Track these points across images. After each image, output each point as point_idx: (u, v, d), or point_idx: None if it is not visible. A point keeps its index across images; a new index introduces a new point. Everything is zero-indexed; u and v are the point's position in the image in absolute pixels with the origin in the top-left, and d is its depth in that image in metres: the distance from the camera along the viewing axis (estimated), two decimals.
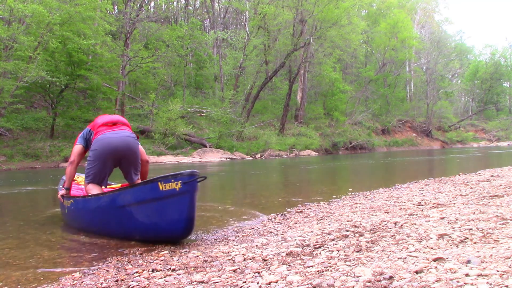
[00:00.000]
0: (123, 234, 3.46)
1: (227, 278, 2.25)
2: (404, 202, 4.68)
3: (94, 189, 3.68)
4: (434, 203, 4.23)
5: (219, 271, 2.43)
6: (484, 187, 5.44)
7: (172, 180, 2.98)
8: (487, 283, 1.71)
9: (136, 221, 3.26)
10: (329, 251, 2.61)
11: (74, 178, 4.68)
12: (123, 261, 2.94)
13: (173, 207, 3.05)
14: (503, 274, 1.79)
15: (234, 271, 2.38)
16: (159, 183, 3.02)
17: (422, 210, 3.87)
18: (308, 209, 4.99)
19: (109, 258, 3.06)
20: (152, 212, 3.14)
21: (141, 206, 3.16)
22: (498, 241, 2.40)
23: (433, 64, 42.27)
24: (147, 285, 2.28)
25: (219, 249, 3.04)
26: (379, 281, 1.87)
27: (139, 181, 3.86)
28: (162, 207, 3.08)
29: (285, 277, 2.11)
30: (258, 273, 2.28)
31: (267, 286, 2.03)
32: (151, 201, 3.10)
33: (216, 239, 3.51)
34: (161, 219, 3.12)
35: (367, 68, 39.03)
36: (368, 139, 31.86)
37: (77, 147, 3.73)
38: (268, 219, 4.47)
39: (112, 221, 3.45)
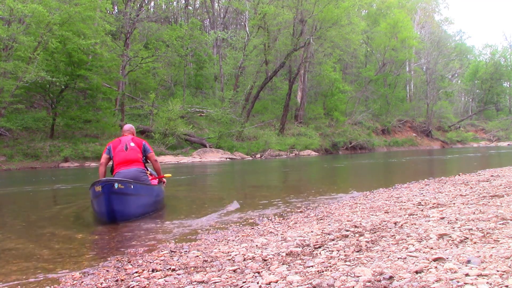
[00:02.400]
0: (99, 216, 4.69)
1: (227, 278, 2.25)
2: (404, 202, 4.68)
3: None
4: (434, 203, 4.24)
5: (219, 271, 2.43)
6: (484, 187, 5.44)
7: (98, 184, 4.32)
8: (487, 283, 1.71)
9: (96, 208, 4.66)
10: (329, 251, 2.61)
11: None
12: (123, 261, 2.94)
13: (101, 202, 4.38)
14: (503, 274, 1.79)
15: (234, 271, 2.38)
16: (95, 186, 4.36)
17: (422, 210, 3.87)
18: (308, 209, 5.00)
19: (109, 258, 3.07)
20: (97, 204, 4.52)
21: (95, 200, 4.57)
22: (498, 241, 2.40)
23: (433, 64, 42.22)
24: (147, 285, 2.28)
25: (219, 249, 3.04)
26: (379, 281, 1.87)
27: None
28: (99, 201, 4.43)
29: (285, 277, 2.11)
30: (258, 273, 2.28)
31: (267, 286, 2.03)
32: (95, 197, 4.48)
33: (216, 239, 3.51)
34: (101, 209, 4.47)
35: (367, 68, 38.98)
36: (368, 139, 31.84)
37: (104, 155, 5.14)
38: (268, 219, 4.47)
39: (93, 206, 4.81)
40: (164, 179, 5.81)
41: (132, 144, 5.09)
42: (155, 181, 5.62)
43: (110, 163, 5.09)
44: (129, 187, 4.50)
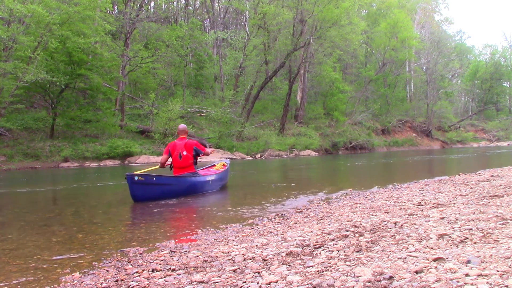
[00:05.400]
0: None
1: (227, 278, 2.26)
2: (404, 202, 4.68)
3: None
4: (434, 203, 4.24)
5: (219, 271, 2.43)
6: (484, 187, 5.44)
7: (126, 176, 5.84)
8: (487, 283, 1.71)
9: None
10: (329, 251, 2.61)
11: (215, 164, 8.93)
12: (123, 261, 2.94)
13: (128, 188, 5.98)
14: (503, 274, 1.79)
15: (234, 271, 2.39)
16: (126, 177, 5.87)
17: (422, 210, 3.87)
18: (308, 209, 5.00)
19: (109, 258, 3.07)
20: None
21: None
22: (498, 241, 2.40)
23: (433, 64, 42.18)
24: (147, 285, 2.28)
25: (219, 249, 3.04)
26: (379, 281, 1.87)
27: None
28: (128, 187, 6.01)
29: (285, 277, 2.11)
30: (258, 273, 2.28)
31: (267, 286, 2.03)
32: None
33: (216, 239, 3.51)
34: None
35: (367, 68, 38.95)
36: (368, 139, 31.82)
37: (165, 156, 6.75)
38: (268, 219, 4.47)
39: None
40: (209, 151, 7.37)
41: (185, 153, 6.65)
42: (217, 170, 7.92)
43: (169, 160, 6.79)
44: (150, 179, 6.06)
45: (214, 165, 8.84)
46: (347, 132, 30.62)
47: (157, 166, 7.11)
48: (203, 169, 8.64)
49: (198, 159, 7.10)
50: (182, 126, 6.94)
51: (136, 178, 5.87)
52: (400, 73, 41.14)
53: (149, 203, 5.90)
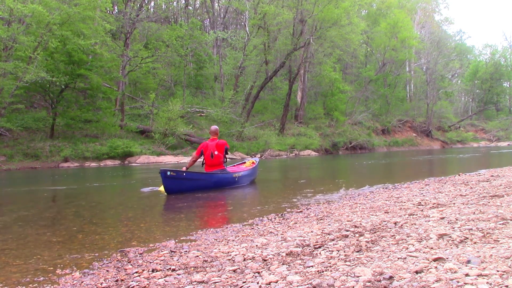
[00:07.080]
0: None
1: (227, 278, 2.26)
2: (404, 202, 4.67)
3: None
4: (434, 203, 4.24)
5: (219, 271, 2.43)
6: (484, 187, 5.44)
7: (159, 172, 6.61)
8: (487, 283, 1.71)
9: None
10: (329, 251, 2.61)
11: (245, 161, 9.73)
12: (123, 261, 2.94)
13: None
14: (503, 274, 1.79)
15: (234, 271, 2.38)
16: (160, 172, 6.59)
17: (422, 210, 3.87)
18: (308, 209, 4.99)
19: (109, 258, 3.07)
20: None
21: None
22: (498, 241, 2.40)
23: (433, 64, 42.16)
24: (147, 285, 2.28)
25: (219, 249, 3.04)
26: (379, 281, 1.87)
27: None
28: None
29: (285, 277, 2.11)
30: (258, 273, 2.28)
31: (267, 286, 2.03)
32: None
33: (216, 239, 3.51)
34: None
35: (367, 68, 38.94)
36: (368, 139, 31.81)
37: (196, 156, 7.55)
38: (268, 219, 4.47)
39: None
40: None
41: (216, 153, 7.36)
42: (246, 167, 8.68)
43: (201, 159, 7.57)
44: (181, 174, 6.82)
45: (244, 162, 9.64)
46: (347, 132, 30.62)
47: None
48: (234, 165, 9.42)
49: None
50: (214, 127, 7.65)
51: (168, 173, 6.64)
52: (400, 73, 41.13)
53: (149, 203, 5.98)
